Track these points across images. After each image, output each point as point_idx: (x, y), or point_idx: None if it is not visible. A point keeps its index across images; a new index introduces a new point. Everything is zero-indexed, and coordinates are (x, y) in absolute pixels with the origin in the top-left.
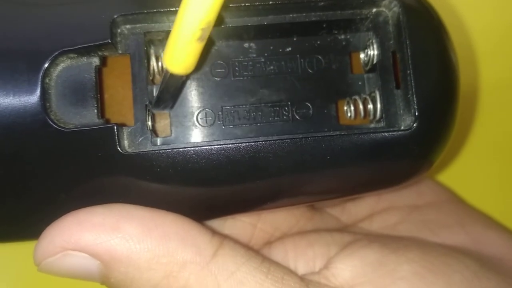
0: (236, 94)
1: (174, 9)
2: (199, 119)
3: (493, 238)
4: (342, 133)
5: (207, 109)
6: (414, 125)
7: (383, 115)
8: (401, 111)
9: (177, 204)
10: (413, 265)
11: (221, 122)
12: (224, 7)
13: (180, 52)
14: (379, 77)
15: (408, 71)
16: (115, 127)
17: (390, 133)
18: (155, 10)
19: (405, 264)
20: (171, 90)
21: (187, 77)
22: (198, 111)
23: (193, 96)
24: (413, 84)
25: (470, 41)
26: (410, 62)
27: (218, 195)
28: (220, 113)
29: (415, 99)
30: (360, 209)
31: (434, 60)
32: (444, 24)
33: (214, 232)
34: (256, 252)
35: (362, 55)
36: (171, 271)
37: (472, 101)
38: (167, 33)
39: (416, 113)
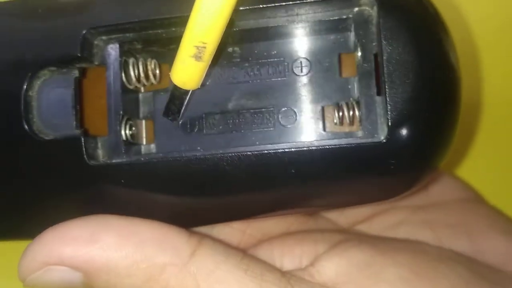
0: (219, 101)
1: (146, 19)
2: (180, 127)
3: (497, 245)
4: (308, 146)
5: (189, 117)
6: (387, 136)
7: (361, 121)
8: (381, 119)
9: (151, 212)
10: (399, 269)
11: (203, 129)
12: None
13: (179, 67)
14: (360, 81)
15: (383, 77)
16: (82, 137)
17: (364, 144)
18: (127, 22)
19: (392, 267)
20: (175, 102)
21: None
22: (181, 118)
23: None
24: (387, 91)
25: (474, 50)
26: (384, 65)
27: (185, 205)
28: (202, 120)
29: (388, 107)
30: (360, 211)
31: (415, 65)
32: (440, 25)
33: (191, 233)
34: (236, 249)
35: (355, 57)
36: (151, 275)
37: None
38: (145, 41)
39: (389, 124)
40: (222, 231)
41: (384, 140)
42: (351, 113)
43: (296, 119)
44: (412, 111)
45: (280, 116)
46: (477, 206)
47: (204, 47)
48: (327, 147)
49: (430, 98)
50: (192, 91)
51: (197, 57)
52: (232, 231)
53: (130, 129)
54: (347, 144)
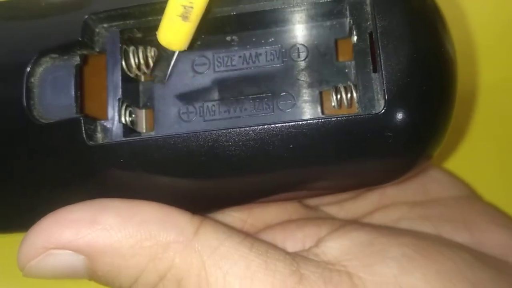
0: (217, 88)
1: (146, 3)
2: (181, 115)
3: (497, 238)
4: (306, 121)
5: (188, 105)
6: (384, 108)
7: (359, 100)
8: (378, 96)
9: (152, 195)
10: (403, 248)
11: (202, 117)
12: None
13: (165, 26)
14: (356, 61)
15: (378, 51)
16: (81, 118)
17: (362, 117)
18: (127, 6)
19: (396, 246)
20: (162, 64)
21: (178, 55)
22: (180, 106)
23: (175, 92)
24: (382, 64)
25: (470, 38)
26: (379, 40)
27: (185, 186)
28: (201, 107)
29: (384, 80)
30: (360, 206)
31: (407, 36)
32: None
33: (193, 214)
34: (238, 231)
35: (352, 41)
36: (155, 253)
37: (471, 98)
38: (145, 29)
39: (385, 96)
40: (223, 220)
41: (381, 112)
42: (348, 95)
43: (294, 104)
44: (408, 82)
45: (278, 101)
46: (474, 202)
47: (191, 7)
48: (324, 120)
49: (425, 69)
50: (191, 79)
51: (184, 17)
52: (233, 220)
53: (130, 115)
54: (344, 117)
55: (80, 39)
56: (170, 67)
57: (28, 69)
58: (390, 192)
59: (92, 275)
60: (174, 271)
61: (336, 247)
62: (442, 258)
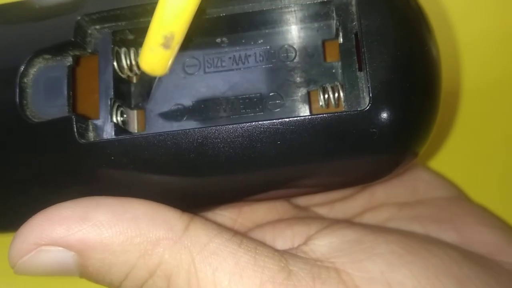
0: (207, 89)
1: (138, 4)
2: (172, 115)
3: (484, 237)
4: (293, 118)
5: (179, 105)
6: (369, 105)
7: (345, 98)
8: (364, 94)
9: (142, 193)
10: (391, 245)
11: (193, 117)
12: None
13: (146, 55)
14: (342, 60)
15: (363, 49)
16: (73, 116)
17: (347, 114)
18: (119, 7)
19: (383, 243)
20: (144, 85)
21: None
22: (171, 107)
23: (166, 93)
24: (366, 62)
25: (453, 36)
26: (363, 38)
27: (175, 183)
28: (191, 108)
29: (368, 77)
30: (349, 207)
31: (390, 34)
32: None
33: (183, 212)
34: (228, 228)
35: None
36: (145, 249)
37: (455, 97)
38: (137, 31)
39: (370, 93)
40: (213, 219)
41: (366, 109)
42: (336, 95)
43: (283, 104)
44: (392, 80)
45: (267, 101)
46: (462, 203)
47: (172, 37)
48: (311, 117)
49: (408, 67)
50: (182, 80)
51: (165, 46)
52: (223, 219)
53: (122, 115)
54: (330, 114)
55: (72, 39)
56: (152, 90)
57: (21, 69)
58: (379, 193)
59: (83, 271)
60: (164, 267)
61: (325, 244)
62: (429, 255)
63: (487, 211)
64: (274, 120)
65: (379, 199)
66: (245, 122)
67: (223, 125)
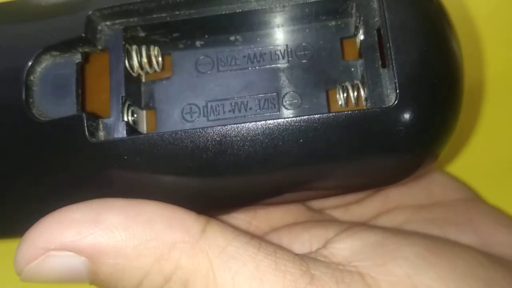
0: (221, 88)
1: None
2: (184, 115)
3: (504, 238)
4: (317, 115)
5: (192, 105)
6: (396, 101)
7: (368, 96)
8: (388, 91)
9: (156, 194)
10: (415, 247)
11: (206, 117)
12: None
13: None
14: (365, 58)
15: (388, 45)
16: (84, 115)
17: (373, 111)
18: (133, 2)
19: (407, 246)
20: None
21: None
22: (183, 106)
23: (178, 92)
24: (393, 57)
25: (476, 34)
26: (389, 34)
27: (191, 184)
28: (205, 107)
29: (395, 73)
30: (364, 210)
31: (417, 29)
32: None
33: (199, 214)
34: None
35: (357, 40)
36: (161, 254)
37: (478, 94)
38: (149, 27)
39: (397, 89)
40: (228, 222)
41: (393, 105)
42: (356, 93)
43: (300, 103)
44: (419, 75)
45: (285, 101)
46: (478, 205)
47: None
48: (335, 114)
49: (436, 61)
50: (195, 79)
51: None
52: (238, 222)
53: (132, 115)
54: (355, 111)
55: (83, 34)
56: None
57: (28, 66)
58: (393, 196)
59: (94, 279)
60: (180, 273)
61: (346, 248)
62: (454, 257)
63: (503, 213)
64: (297, 118)
65: (394, 202)
66: (267, 119)
67: (243, 122)
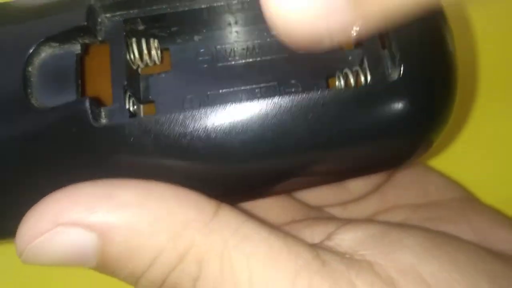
0: (221, 79)
1: None
2: (183, 107)
3: (501, 236)
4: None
5: (191, 97)
6: (400, 75)
7: (370, 75)
8: (390, 70)
9: (165, 177)
10: (418, 238)
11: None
12: None
13: None
14: (363, 41)
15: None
16: (87, 99)
17: (376, 85)
18: None
19: (410, 236)
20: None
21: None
22: (183, 99)
23: (178, 85)
24: (394, 35)
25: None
26: None
27: (201, 167)
28: (205, 99)
29: (398, 50)
30: (362, 208)
31: None
32: None
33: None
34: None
35: None
36: (175, 231)
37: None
38: (149, 20)
39: (401, 66)
40: None
41: (399, 78)
42: (356, 78)
43: (301, 90)
44: (420, 52)
45: (285, 89)
46: (474, 204)
47: None
48: (344, 89)
49: (436, 38)
50: (195, 70)
51: None
52: None
53: (133, 106)
54: (363, 86)
55: (85, 23)
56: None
57: (27, 57)
58: (390, 196)
59: (101, 259)
60: (195, 251)
61: (350, 238)
62: (455, 251)
63: (498, 212)
64: (305, 94)
65: (391, 201)
66: (277, 96)
67: (252, 100)
